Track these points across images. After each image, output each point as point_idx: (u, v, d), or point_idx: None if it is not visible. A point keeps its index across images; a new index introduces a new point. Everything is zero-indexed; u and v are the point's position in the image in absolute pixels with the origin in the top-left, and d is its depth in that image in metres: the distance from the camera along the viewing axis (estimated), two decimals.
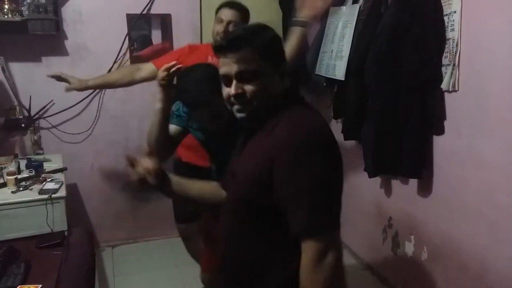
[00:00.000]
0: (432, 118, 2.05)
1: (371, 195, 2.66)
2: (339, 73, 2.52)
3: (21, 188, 2.09)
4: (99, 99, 2.76)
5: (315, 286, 0.95)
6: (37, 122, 2.64)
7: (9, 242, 1.80)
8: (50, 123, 2.68)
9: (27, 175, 2.23)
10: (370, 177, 2.33)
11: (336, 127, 2.70)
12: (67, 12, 2.62)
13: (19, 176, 2.18)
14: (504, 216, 1.74)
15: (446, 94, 1.99)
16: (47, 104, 2.64)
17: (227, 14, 2.05)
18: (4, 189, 2.10)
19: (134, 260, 2.83)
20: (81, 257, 1.76)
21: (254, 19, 1.68)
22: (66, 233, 1.96)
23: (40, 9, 2.44)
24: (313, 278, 0.95)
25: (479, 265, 1.88)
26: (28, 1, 2.46)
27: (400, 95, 2.09)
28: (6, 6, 2.38)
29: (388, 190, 2.50)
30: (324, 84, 2.78)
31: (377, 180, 2.37)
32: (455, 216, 2.01)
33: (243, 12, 2.09)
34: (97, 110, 2.77)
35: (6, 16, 2.38)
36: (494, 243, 1.80)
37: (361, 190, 2.69)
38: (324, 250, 0.95)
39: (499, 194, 1.76)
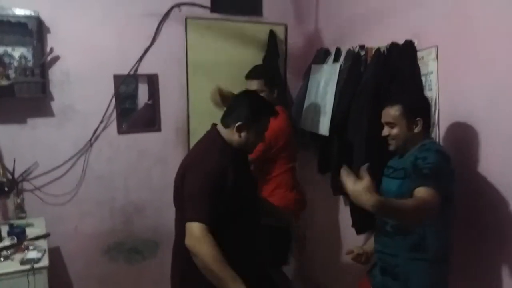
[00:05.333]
0: None
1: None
2: (323, 128, 2.57)
3: (1, 259, 2.00)
4: (84, 160, 2.73)
5: None
6: (20, 184, 2.58)
7: None
8: (34, 185, 2.62)
9: (9, 244, 2.13)
10: (358, 233, 2.32)
11: (325, 179, 2.71)
12: (55, 73, 2.62)
13: (0, 245, 2.10)
14: None
15: None
16: (31, 166, 2.60)
17: (252, 84, 2.45)
18: None
19: None
20: None
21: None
22: None
23: (27, 72, 2.46)
24: None
25: None
26: (16, 65, 2.48)
27: (384, 152, 2.13)
28: None
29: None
30: (309, 138, 2.83)
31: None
32: None
33: (265, 78, 2.48)
34: (82, 170, 2.73)
35: None
36: None
37: (347, 242, 2.66)
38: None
39: None
